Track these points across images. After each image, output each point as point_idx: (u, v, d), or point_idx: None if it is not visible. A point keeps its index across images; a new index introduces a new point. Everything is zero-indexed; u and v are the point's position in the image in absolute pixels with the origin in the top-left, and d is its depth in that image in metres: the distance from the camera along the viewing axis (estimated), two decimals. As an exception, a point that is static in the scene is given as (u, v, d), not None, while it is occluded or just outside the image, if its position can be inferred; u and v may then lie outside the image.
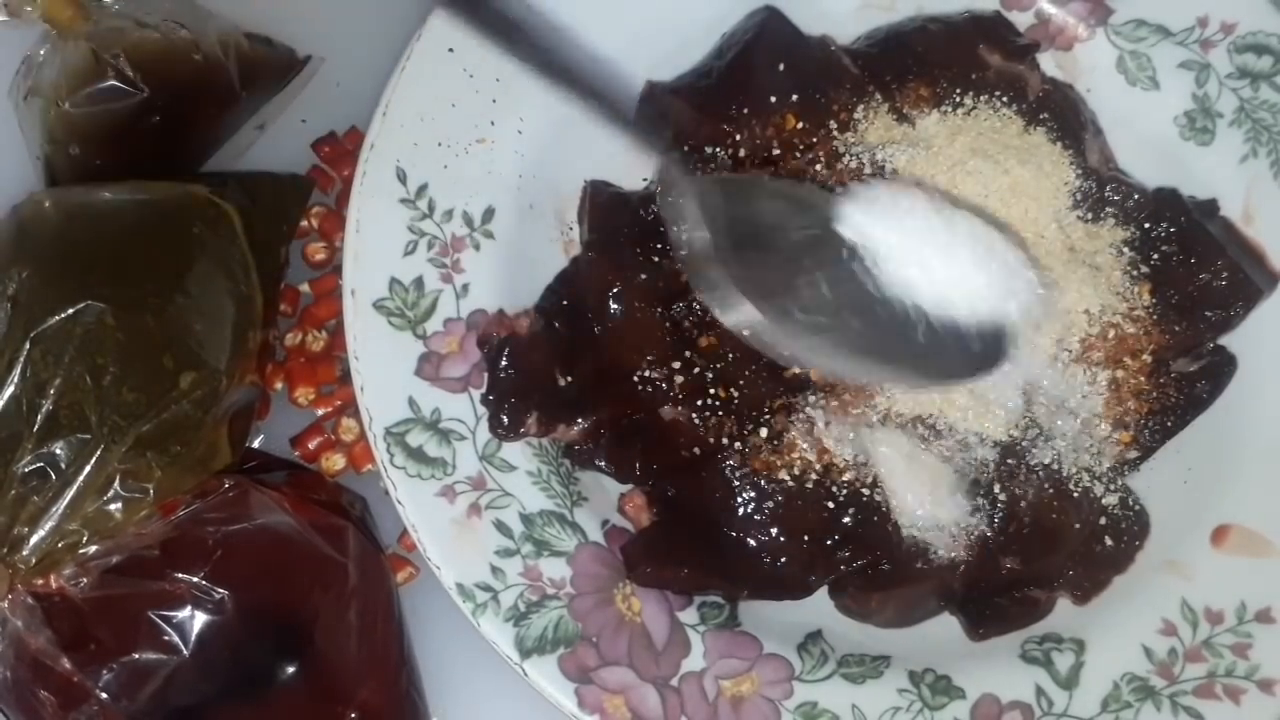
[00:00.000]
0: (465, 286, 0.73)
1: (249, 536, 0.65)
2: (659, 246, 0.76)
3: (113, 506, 0.63)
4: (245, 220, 0.73)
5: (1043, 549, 0.72)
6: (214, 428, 0.68)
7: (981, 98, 0.79)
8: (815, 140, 0.78)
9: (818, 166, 0.77)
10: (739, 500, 0.69)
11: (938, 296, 0.64)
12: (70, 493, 0.62)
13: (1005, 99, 0.79)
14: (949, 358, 0.65)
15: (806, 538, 0.69)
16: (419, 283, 0.73)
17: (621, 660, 0.67)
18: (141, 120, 0.76)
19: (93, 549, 0.63)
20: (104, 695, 0.62)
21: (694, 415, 0.72)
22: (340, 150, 0.84)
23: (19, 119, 0.78)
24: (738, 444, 0.71)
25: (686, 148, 0.78)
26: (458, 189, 0.75)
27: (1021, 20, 0.82)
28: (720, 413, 0.72)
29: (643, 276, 0.74)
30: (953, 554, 0.71)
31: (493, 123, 0.76)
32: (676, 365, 0.73)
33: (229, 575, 0.64)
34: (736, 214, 0.65)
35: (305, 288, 0.82)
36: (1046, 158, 0.77)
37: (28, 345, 0.63)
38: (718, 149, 0.77)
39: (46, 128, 0.76)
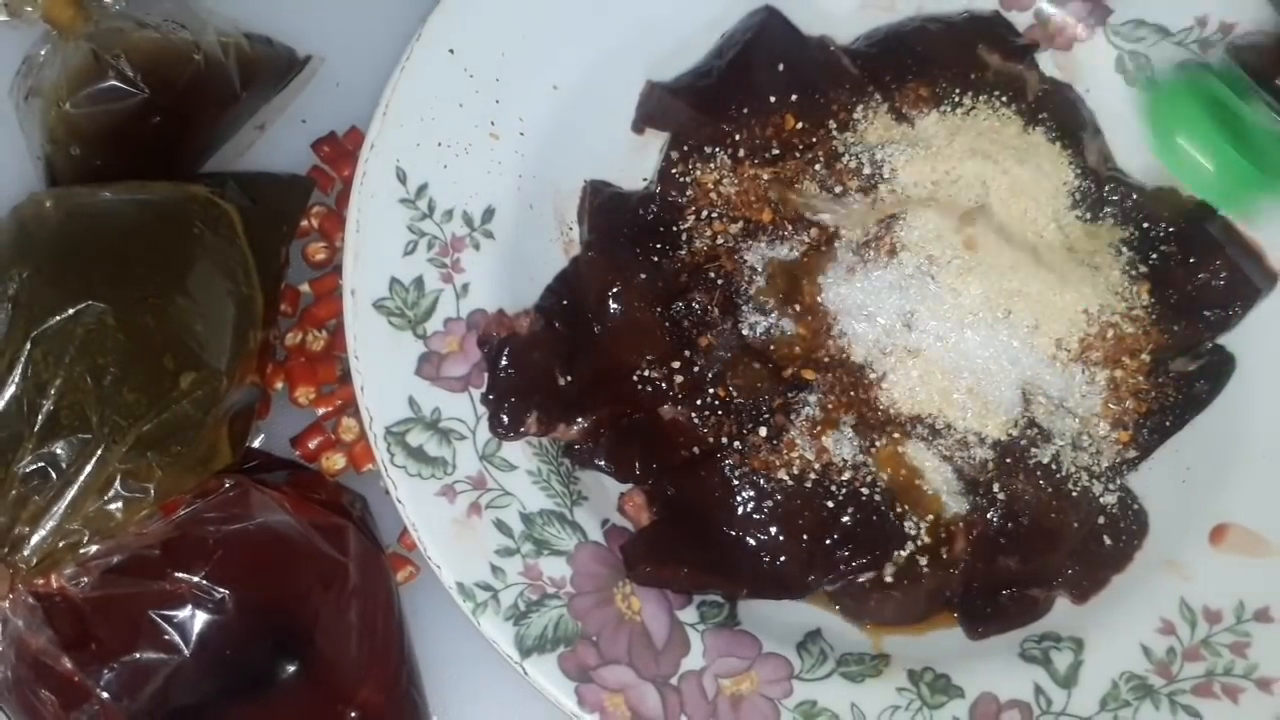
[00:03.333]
0: (465, 286, 0.74)
1: (249, 536, 0.66)
2: (659, 246, 0.76)
3: (113, 506, 0.63)
4: (245, 220, 0.73)
5: (1041, 548, 0.72)
6: (214, 428, 0.68)
7: (981, 98, 0.79)
8: (815, 140, 0.78)
9: (817, 166, 0.77)
10: (738, 499, 0.69)
11: None
12: (71, 492, 0.62)
13: (1004, 99, 0.79)
14: None
15: (806, 537, 0.69)
16: (419, 282, 0.73)
17: (621, 659, 0.68)
18: (142, 120, 0.76)
19: (93, 549, 0.63)
20: (105, 695, 0.62)
21: (694, 415, 0.73)
22: (340, 150, 0.84)
23: (19, 119, 0.78)
24: (737, 443, 0.71)
25: (686, 147, 0.78)
26: (458, 189, 0.75)
27: (1020, 20, 0.82)
28: (720, 412, 0.72)
29: (642, 276, 0.74)
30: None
31: (493, 123, 0.76)
32: (676, 365, 0.73)
33: (229, 575, 0.64)
34: None
35: (305, 287, 0.82)
36: (1045, 157, 0.78)
37: (29, 345, 0.63)
38: (717, 149, 0.77)
39: (47, 128, 0.76)
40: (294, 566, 0.67)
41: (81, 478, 0.63)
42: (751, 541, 0.69)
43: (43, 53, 0.75)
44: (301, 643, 0.66)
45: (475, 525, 0.69)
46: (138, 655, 0.62)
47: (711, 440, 0.72)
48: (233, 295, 0.70)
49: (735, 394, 0.72)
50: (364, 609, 0.68)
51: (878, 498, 0.70)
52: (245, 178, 0.79)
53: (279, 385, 0.80)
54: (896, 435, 0.72)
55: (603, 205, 0.77)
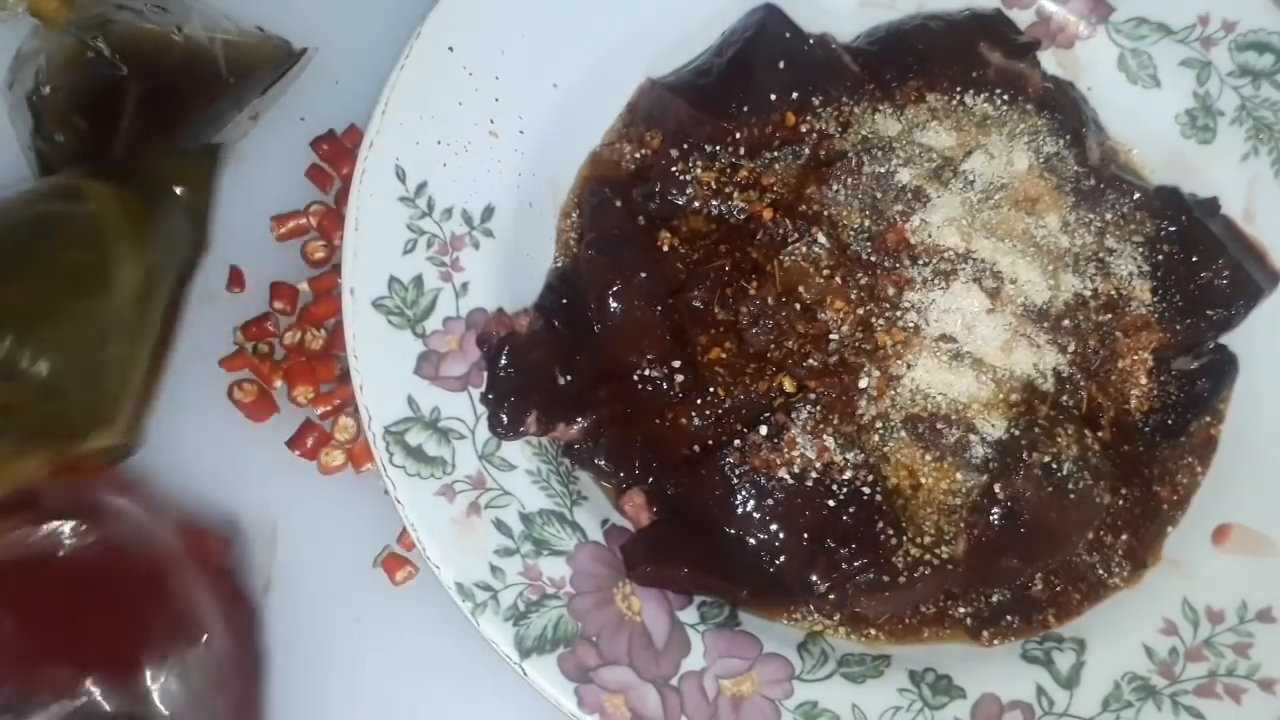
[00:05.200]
0: (464, 285, 0.73)
1: None
2: (658, 245, 0.76)
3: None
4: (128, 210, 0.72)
5: (1044, 548, 0.71)
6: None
7: (982, 96, 0.78)
8: (816, 138, 0.78)
9: (818, 164, 0.77)
10: (739, 499, 0.69)
11: None
12: None
13: (1006, 97, 0.79)
14: None
15: (806, 536, 0.69)
16: (418, 281, 0.72)
17: (621, 660, 0.67)
18: (126, 104, 0.76)
19: None
20: None
21: (694, 415, 0.72)
22: (339, 148, 0.84)
23: (8, 110, 0.78)
24: (737, 442, 0.71)
25: (686, 145, 0.78)
26: (457, 187, 0.74)
27: (1022, 18, 0.82)
28: (720, 412, 0.72)
29: (642, 276, 0.74)
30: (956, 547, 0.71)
31: (492, 120, 0.76)
32: (676, 364, 0.73)
33: None
34: None
35: (304, 286, 0.82)
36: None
37: None
38: (717, 147, 0.77)
39: (33, 117, 0.76)
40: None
41: None
42: (752, 541, 0.69)
43: (29, 45, 0.76)
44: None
45: (474, 525, 0.69)
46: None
47: (712, 440, 0.72)
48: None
49: (736, 394, 0.72)
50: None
51: (878, 497, 0.70)
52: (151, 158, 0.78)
53: (278, 384, 0.79)
54: (897, 435, 0.71)
55: (602, 205, 0.77)
